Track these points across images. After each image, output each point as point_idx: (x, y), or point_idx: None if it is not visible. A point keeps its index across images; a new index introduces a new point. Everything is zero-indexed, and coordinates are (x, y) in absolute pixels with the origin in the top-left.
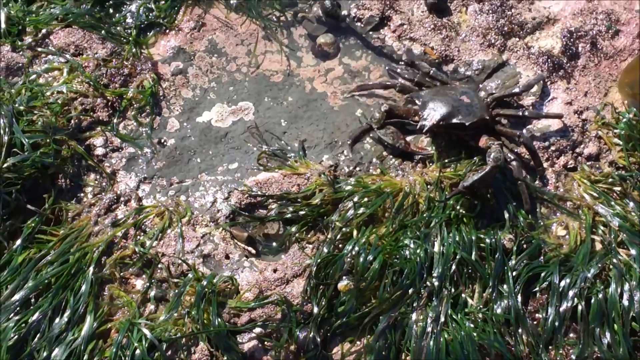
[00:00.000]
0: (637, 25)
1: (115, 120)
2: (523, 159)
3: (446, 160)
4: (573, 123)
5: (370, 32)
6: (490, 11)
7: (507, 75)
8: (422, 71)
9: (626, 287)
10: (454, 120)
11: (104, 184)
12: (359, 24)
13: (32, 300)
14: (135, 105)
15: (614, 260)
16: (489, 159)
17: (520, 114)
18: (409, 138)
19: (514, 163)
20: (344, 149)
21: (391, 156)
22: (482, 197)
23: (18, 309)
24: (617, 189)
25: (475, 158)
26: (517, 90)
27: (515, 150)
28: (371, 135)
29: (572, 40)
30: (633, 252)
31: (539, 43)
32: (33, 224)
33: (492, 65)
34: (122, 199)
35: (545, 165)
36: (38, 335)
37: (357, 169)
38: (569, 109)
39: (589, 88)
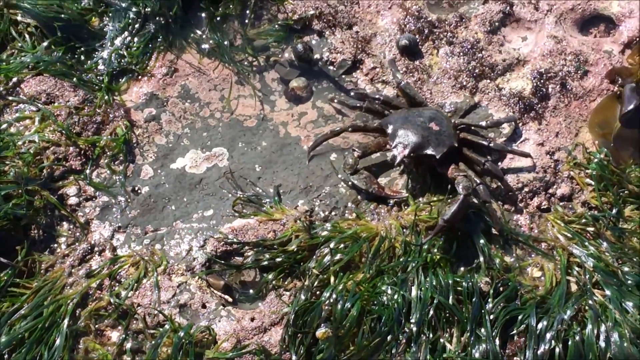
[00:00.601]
0: (605, 65)
1: (88, 169)
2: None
3: (421, 204)
4: (545, 164)
5: (343, 76)
6: (461, 53)
7: (480, 117)
8: (395, 81)
9: (602, 328)
10: (425, 152)
11: (77, 234)
12: (331, 67)
13: (6, 356)
14: (108, 153)
15: (590, 302)
16: (459, 188)
17: (486, 144)
18: (383, 181)
19: (480, 187)
20: (319, 193)
21: (366, 200)
22: (458, 239)
23: None
24: (591, 229)
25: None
26: (483, 123)
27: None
28: (343, 178)
29: (542, 81)
30: (608, 292)
31: (510, 84)
32: (5, 277)
33: (464, 107)
34: (96, 249)
35: (519, 206)
36: None
37: (333, 213)
38: (540, 150)
39: (560, 129)
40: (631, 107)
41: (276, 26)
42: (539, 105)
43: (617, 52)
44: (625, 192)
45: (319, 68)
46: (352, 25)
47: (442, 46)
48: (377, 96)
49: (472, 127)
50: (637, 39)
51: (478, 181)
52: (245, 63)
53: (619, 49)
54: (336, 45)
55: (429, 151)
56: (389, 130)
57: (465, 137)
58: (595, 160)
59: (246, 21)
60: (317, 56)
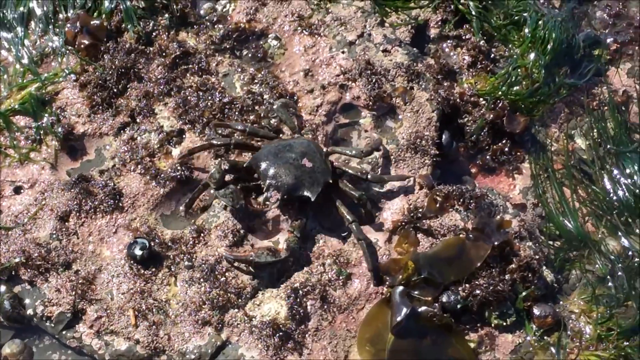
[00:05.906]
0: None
1: None
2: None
3: None
4: None
5: (64, 332)
6: (202, 279)
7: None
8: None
9: None
10: (299, 194)
11: None
12: (48, 323)
13: None
14: None
15: None
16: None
17: (364, 177)
18: None
19: (352, 226)
20: None
21: None
22: None
23: None
24: None
25: None
26: (354, 152)
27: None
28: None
29: (298, 299)
30: None
31: (262, 310)
32: None
33: (209, 352)
34: None
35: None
36: None
37: None
38: None
39: (325, 355)
40: (401, 316)
41: None
42: (298, 331)
43: (383, 242)
44: None
45: (36, 324)
46: (70, 263)
47: (182, 271)
48: (241, 128)
49: (346, 155)
50: (402, 223)
51: (350, 219)
52: None
53: (384, 238)
54: (50, 295)
55: (304, 192)
56: (261, 169)
57: (340, 168)
58: None
59: None
60: (30, 312)
